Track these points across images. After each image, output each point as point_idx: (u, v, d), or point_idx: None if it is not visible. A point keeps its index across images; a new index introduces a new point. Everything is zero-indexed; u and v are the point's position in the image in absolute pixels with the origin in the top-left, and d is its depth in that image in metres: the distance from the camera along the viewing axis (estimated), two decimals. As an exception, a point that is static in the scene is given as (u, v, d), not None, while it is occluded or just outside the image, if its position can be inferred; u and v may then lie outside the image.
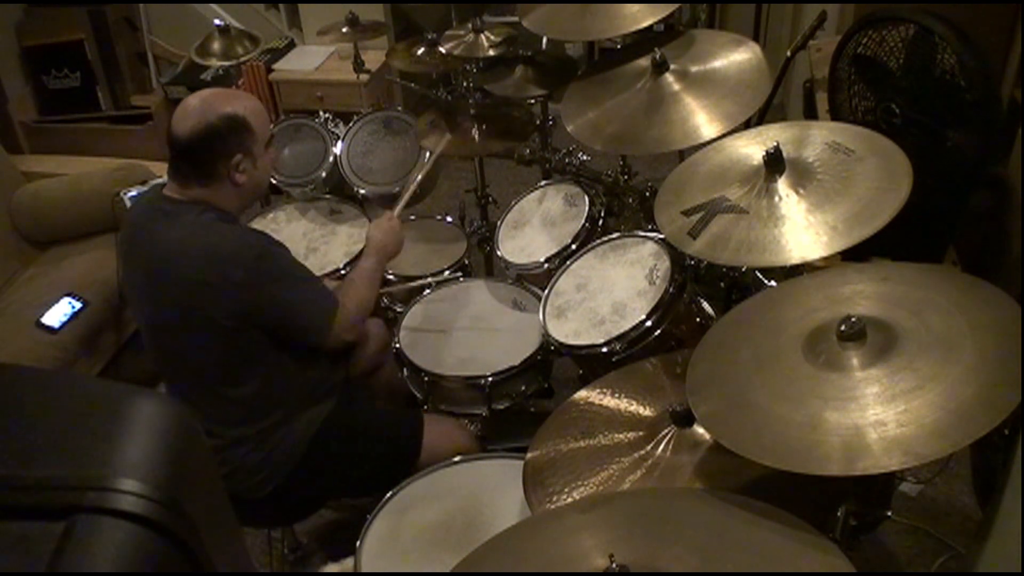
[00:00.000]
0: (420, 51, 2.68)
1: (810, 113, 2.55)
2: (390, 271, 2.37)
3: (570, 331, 1.86)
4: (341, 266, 2.34)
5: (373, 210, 2.60)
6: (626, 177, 2.22)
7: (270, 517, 1.96)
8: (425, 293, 2.30)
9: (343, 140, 2.61)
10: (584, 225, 2.10)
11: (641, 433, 1.45)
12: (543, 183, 2.36)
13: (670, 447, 1.39)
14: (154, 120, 3.76)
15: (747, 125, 1.90)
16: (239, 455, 1.73)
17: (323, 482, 1.87)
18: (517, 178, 3.40)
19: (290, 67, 3.84)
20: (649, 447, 1.40)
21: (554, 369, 2.10)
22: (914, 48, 1.90)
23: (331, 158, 2.59)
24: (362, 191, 2.57)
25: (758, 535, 1.09)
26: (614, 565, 1.01)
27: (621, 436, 1.46)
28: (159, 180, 2.72)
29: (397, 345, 2.11)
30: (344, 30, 2.71)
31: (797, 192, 1.47)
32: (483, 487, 1.67)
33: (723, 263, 1.72)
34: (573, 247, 2.08)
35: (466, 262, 2.44)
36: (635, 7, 2.03)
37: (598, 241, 2.02)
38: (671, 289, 1.77)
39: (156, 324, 1.75)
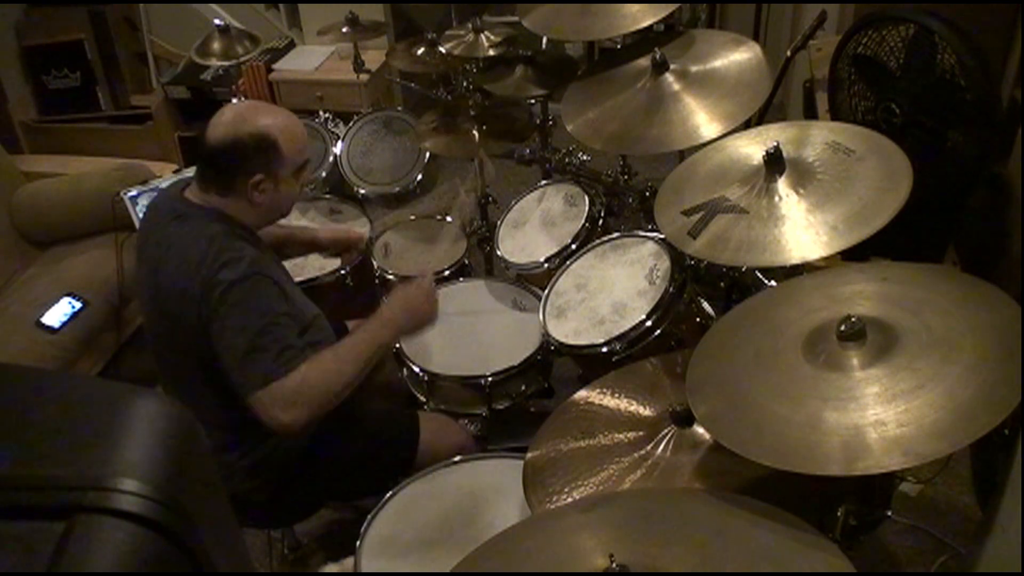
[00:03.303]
0: (420, 51, 2.68)
1: (810, 113, 2.55)
2: (389, 271, 2.37)
3: (570, 331, 1.86)
4: (341, 266, 2.34)
5: (373, 210, 2.60)
6: (626, 177, 2.23)
7: (269, 519, 1.95)
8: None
9: (343, 140, 2.61)
10: (584, 225, 2.10)
11: (641, 433, 1.45)
12: (543, 183, 2.36)
13: (670, 447, 1.39)
14: (154, 120, 3.76)
15: (747, 125, 1.90)
16: (234, 459, 1.72)
17: (320, 485, 1.86)
18: (517, 178, 3.40)
19: (290, 67, 3.83)
20: (649, 447, 1.40)
21: (554, 369, 2.10)
22: (914, 48, 1.91)
23: (331, 158, 2.60)
24: (362, 191, 2.57)
25: (758, 535, 1.09)
26: (614, 565, 1.01)
27: (621, 436, 1.46)
28: (179, 178, 2.71)
29: (397, 345, 2.11)
30: (344, 30, 2.72)
31: (797, 192, 1.47)
32: (483, 487, 1.67)
33: (723, 263, 1.72)
34: (573, 247, 2.08)
35: (466, 262, 2.44)
36: (635, 7, 2.03)
37: (598, 241, 2.02)
38: (671, 289, 1.77)
39: (157, 326, 1.72)
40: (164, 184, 2.66)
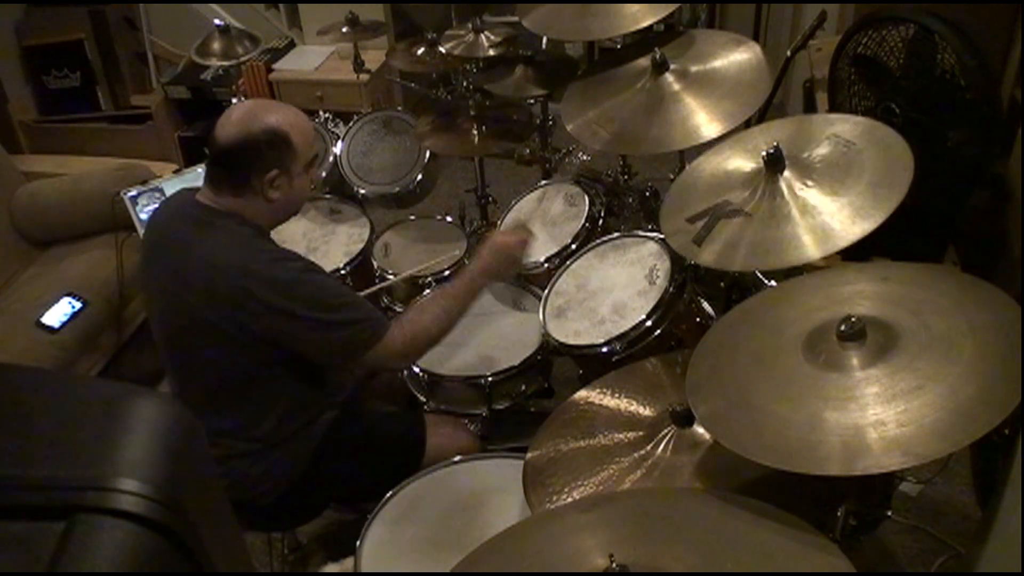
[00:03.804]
0: (420, 51, 2.68)
1: (810, 113, 2.55)
2: (389, 271, 2.37)
3: (570, 331, 1.86)
4: (341, 265, 2.34)
5: (373, 210, 2.60)
6: (626, 177, 2.23)
7: (273, 522, 1.95)
8: (425, 293, 2.30)
9: (343, 140, 2.61)
10: (584, 225, 2.10)
11: (641, 433, 1.45)
12: (543, 183, 2.36)
13: (670, 447, 1.39)
14: (154, 120, 3.76)
15: (747, 125, 1.90)
16: (243, 466, 1.72)
17: (327, 489, 1.86)
18: (517, 178, 3.40)
19: (290, 67, 3.84)
20: (649, 447, 1.40)
21: (554, 369, 2.10)
22: (914, 48, 1.90)
23: (331, 158, 2.60)
24: (362, 191, 2.57)
25: (758, 535, 1.09)
26: (614, 565, 1.01)
27: (621, 436, 1.46)
28: (167, 179, 2.71)
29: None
30: (344, 30, 2.71)
31: (800, 188, 1.47)
32: (483, 487, 1.67)
33: (737, 269, 1.71)
34: (573, 247, 2.08)
35: (466, 262, 2.44)
36: (635, 7, 2.03)
37: (598, 241, 2.02)
38: (671, 289, 1.77)
39: (174, 331, 1.70)
40: (164, 184, 2.66)
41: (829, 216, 1.41)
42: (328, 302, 1.62)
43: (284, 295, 1.58)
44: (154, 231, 1.76)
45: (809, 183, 1.47)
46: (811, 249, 1.39)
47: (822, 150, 1.52)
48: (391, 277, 2.37)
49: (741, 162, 1.63)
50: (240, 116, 1.61)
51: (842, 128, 1.55)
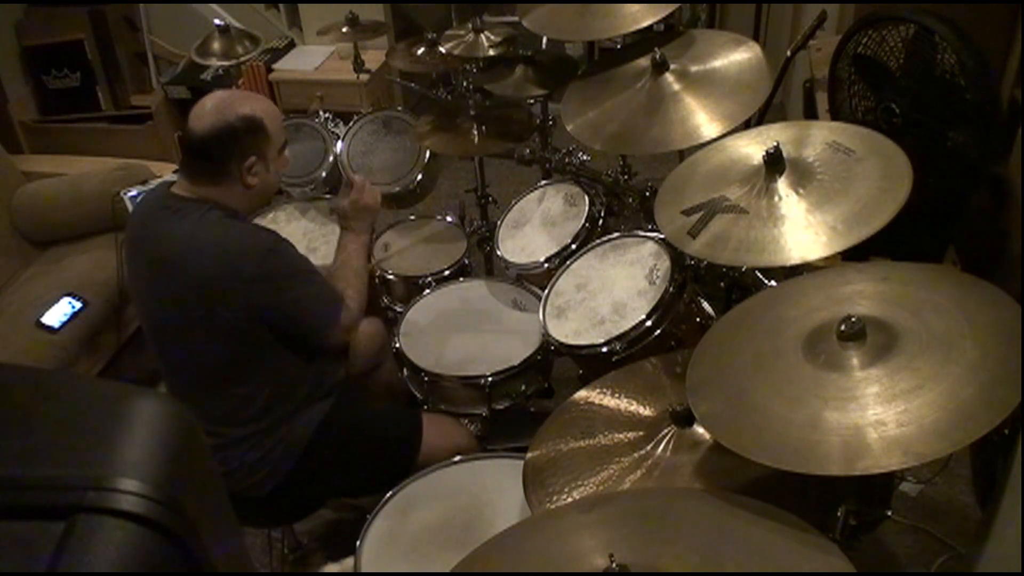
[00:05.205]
0: (420, 51, 2.68)
1: (810, 113, 2.55)
2: (390, 272, 2.37)
3: (570, 331, 1.86)
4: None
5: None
6: (626, 177, 2.22)
7: (270, 516, 1.96)
8: (425, 293, 2.30)
9: (343, 140, 2.61)
10: (584, 225, 2.10)
11: (641, 433, 1.45)
12: (543, 183, 2.36)
13: (670, 447, 1.39)
14: (154, 120, 3.76)
15: (747, 125, 1.90)
16: (238, 454, 1.74)
17: (322, 481, 1.87)
18: (517, 178, 3.40)
19: (290, 67, 3.84)
20: (649, 447, 1.40)
21: (554, 369, 2.10)
22: (914, 48, 1.90)
23: (331, 158, 2.60)
24: (362, 191, 2.57)
25: (758, 535, 1.09)
26: (614, 565, 1.01)
27: (621, 436, 1.46)
28: (164, 179, 2.71)
29: (397, 345, 2.11)
30: (344, 30, 2.71)
31: (797, 192, 1.47)
32: (483, 487, 1.67)
33: (723, 263, 1.72)
34: (573, 247, 2.08)
35: (466, 262, 2.44)
36: (635, 7, 2.03)
37: (598, 241, 2.02)
38: (671, 289, 1.77)
39: (160, 322, 1.75)
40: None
41: (820, 222, 1.41)
42: (301, 273, 1.75)
43: (258, 266, 1.65)
44: (133, 227, 1.80)
45: (805, 189, 1.47)
46: (800, 251, 1.39)
47: (822, 156, 1.52)
48: (391, 277, 2.37)
49: (740, 159, 1.62)
50: (215, 106, 1.67)
51: (844, 137, 1.55)
